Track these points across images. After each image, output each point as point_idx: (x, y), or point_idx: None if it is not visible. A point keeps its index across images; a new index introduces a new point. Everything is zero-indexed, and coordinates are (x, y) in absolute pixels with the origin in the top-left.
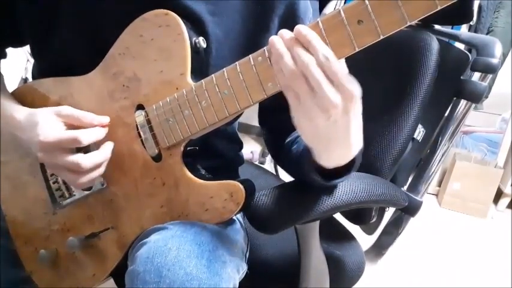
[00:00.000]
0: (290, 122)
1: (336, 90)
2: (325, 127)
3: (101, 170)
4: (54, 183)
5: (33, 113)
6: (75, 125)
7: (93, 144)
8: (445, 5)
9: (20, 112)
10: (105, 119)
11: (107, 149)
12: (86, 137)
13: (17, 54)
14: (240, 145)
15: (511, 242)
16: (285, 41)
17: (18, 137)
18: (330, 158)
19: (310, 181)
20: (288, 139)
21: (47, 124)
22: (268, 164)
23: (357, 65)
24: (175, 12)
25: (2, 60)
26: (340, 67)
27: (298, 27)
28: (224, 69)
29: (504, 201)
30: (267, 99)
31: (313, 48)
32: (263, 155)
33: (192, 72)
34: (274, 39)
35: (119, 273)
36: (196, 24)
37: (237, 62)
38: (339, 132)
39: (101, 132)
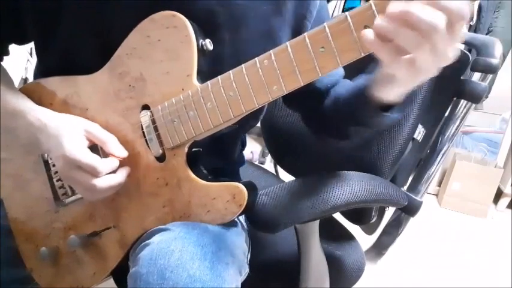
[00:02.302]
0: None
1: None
2: (429, 71)
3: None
4: (57, 181)
5: (62, 120)
6: (99, 145)
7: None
8: None
9: (47, 116)
10: (124, 153)
11: (124, 172)
12: (104, 169)
13: (17, 54)
14: (243, 145)
15: (511, 242)
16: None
17: (37, 137)
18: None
19: (368, 121)
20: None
21: (73, 138)
22: (268, 164)
23: (357, 64)
24: (184, 13)
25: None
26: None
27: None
28: (230, 71)
29: (504, 201)
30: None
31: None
32: (263, 155)
33: (198, 74)
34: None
35: (119, 273)
36: (204, 26)
37: (243, 65)
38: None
39: (116, 164)
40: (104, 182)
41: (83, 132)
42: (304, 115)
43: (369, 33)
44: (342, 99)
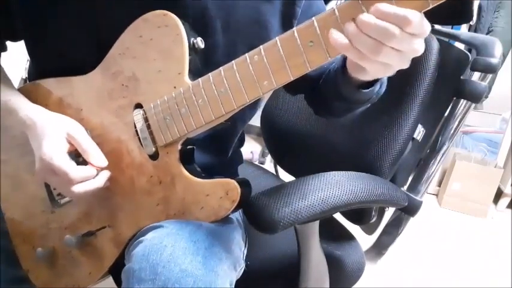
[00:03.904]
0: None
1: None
2: (401, 64)
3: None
4: None
5: (48, 119)
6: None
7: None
8: (436, 4)
9: (37, 114)
10: (104, 163)
11: (102, 177)
12: (77, 176)
13: (17, 54)
14: (241, 141)
15: (511, 242)
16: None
17: (29, 139)
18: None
19: (351, 98)
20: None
21: (53, 141)
22: (268, 164)
23: None
24: (176, 11)
25: (3, 55)
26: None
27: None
28: (221, 68)
29: (504, 201)
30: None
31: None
32: (263, 155)
33: (190, 72)
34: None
35: (118, 272)
36: (196, 22)
37: (233, 61)
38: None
39: (93, 173)
40: (79, 188)
41: (64, 135)
42: (306, 96)
43: (335, 35)
44: (330, 75)
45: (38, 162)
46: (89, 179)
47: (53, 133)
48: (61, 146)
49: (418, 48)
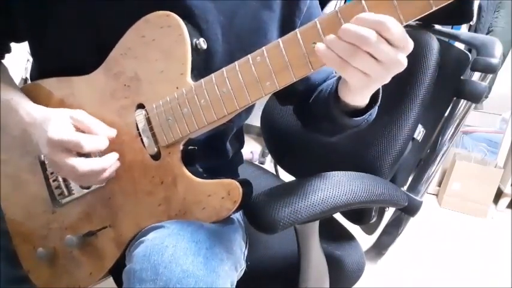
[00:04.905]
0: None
1: (396, 49)
2: (382, 77)
3: (102, 174)
4: (53, 181)
5: (49, 111)
6: (85, 131)
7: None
8: (440, 6)
9: (37, 110)
10: (113, 132)
11: (109, 158)
12: (88, 144)
13: (17, 54)
14: (241, 143)
15: (511, 242)
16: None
17: (29, 133)
18: (365, 96)
19: (341, 125)
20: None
21: (58, 123)
22: (268, 164)
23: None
24: (177, 13)
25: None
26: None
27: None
28: (224, 68)
29: (504, 201)
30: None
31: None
32: (263, 155)
33: (192, 72)
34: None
35: (119, 273)
36: (197, 25)
37: (236, 62)
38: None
39: (104, 143)
40: (85, 164)
41: (68, 119)
42: (295, 109)
43: (319, 46)
44: (321, 95)
45: (46, 147)
46: (100, 149)
47: (57, 118)
48: (68, 126)
49: (401, 60)
